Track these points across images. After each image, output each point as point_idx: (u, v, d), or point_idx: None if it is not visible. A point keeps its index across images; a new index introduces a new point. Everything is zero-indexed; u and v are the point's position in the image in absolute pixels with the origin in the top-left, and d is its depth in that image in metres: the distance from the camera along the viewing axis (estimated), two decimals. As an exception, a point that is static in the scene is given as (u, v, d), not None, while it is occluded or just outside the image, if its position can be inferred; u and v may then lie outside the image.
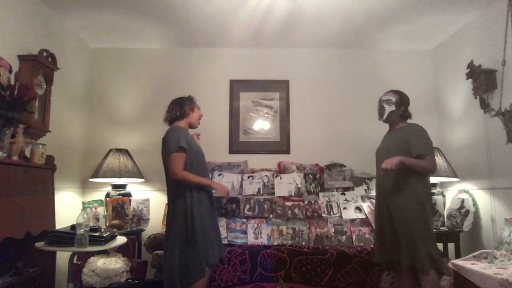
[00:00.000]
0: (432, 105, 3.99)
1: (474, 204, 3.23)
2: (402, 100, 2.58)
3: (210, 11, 3.31)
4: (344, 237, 3.23)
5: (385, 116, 2.61)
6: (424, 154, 2.41)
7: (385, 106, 2.59)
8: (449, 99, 3.79)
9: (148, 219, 3.57)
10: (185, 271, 2.29)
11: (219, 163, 3.73)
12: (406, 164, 2.35)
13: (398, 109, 2.56)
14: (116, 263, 2.81)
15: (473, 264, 2.55)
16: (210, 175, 3.56)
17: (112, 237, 2.44)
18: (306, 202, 3.43)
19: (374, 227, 2.69)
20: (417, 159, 2.41)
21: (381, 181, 2.57)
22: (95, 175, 3.52)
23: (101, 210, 3.53)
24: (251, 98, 4.07)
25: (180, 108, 2.56)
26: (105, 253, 2.87)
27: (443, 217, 3.33)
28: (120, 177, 3.47)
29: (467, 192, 3.35)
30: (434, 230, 2.62)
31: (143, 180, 3.69)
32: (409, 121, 2.63)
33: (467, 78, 3.26)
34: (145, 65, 4.09)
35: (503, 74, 2.90)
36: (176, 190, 2.41)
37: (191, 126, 2.64)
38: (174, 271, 2.29)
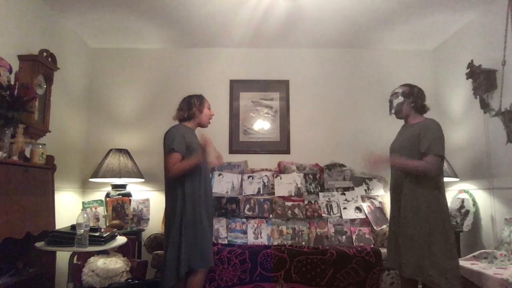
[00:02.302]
0: (432, 105, 3.92)
1: (474, 204, 3.23)
2: (412, 91, 2.43)
3: (210, 11, 3.31)
4: (344, 237, 3.24)
5: (393, 110, 2.49)
6: (427, 153, 2.24)
7: (393, 99, 2.49)
8: (449, 99, 3.79)
9: (148, 219, 3.57)
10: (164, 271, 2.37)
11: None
12: (402, 167, 2.24)
13: (406, 100, 2.42)
14: (116, 263, 2.81)
15: (473, 264, 2.55)
16: (210, 175, 3.55)
17: (112, 237, 2.44)
18: (306, 202, 3.43)
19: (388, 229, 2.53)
20: (423, 156, 2.25)
21: (395, 181, 2.42)
22: (95, 175, 3.52)
23: (101, 210, 3.53)
24: (251, 98, 4.07)
25: (189, 110, 2.58)
26: (105, 253, 2.87)
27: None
28: (120, 177, 3.47)
29: (467, 192, 3.35)
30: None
31: (143, 180, 3.69)
32: (427, 115, 2.47)
33: (467, 78, 3.26)
34: (145, 65, 4.09)
35: (503, 74, 2.90)
36: (171, 192, 2.44)
37: (200, 126, 2.68)
38: (164, 269, 2.37)
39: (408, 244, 2.21)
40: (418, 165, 2.23)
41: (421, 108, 2.45)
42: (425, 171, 2.22)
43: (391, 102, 2.52)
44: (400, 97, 2.45)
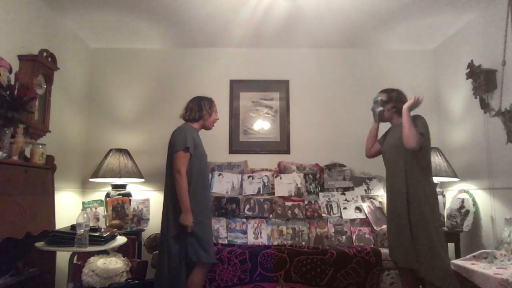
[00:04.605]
0: (432, 105, 3.99)
1: (474, 204, 3.23)
2: (390, 97, 2.55)
3: (210, 11, 3.31)
4: (344, 237, 3.24)
5: (376, 118, 2.64)
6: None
7: (374, 108, 2.63)
8: (449, 99, 3.79)
9: (148, 219, 3.57)
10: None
11: (219, 163, 3.73)
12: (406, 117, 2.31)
13: (386, 106, 2.55)
14: (116, 263, 2.81)
15: (473, 264, 2.55)
16: (210, 175, 3.56)
17: (112, 237, 2.44)
18: (306, 202, 3.43)
19: (387, 226, 2.60)
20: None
21: (392, 181, 2.50)
22: (95, 175, 3.52)
23: (101, 210, 3.53)
24: (251, 98, 4.07)
25: (199, 112, 2.61)
26: (105, 253, 2.87)
27: (443, 217, 3.33)
28: (120, 177, 3.46)
29: (467, 192, 3.35)
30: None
31: (143, 180, 3.69)
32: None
33: (467, 78, 3.26)
34: (145, 65, 4.09)
35: (503, 74, 2.90)
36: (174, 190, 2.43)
37: (205, 128, 2.70)
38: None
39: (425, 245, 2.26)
40: (410, 125, 2.29)
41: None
42: (410, 135, 2.28)
43: (373, 110, 2.64)
44: (379, 106, 2.57)
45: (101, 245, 2.28)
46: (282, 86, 4.08)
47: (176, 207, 2.41)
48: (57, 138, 3.29)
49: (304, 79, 4.10)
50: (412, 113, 2.43)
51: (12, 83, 2.45)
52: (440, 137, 3.90)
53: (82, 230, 2.16)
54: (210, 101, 2.68)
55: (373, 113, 2.65)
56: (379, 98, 2.59)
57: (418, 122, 2.37)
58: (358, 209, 3.40)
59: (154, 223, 3.59)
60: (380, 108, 2.57)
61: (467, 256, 2.72)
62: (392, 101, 2.54)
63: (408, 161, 2.38)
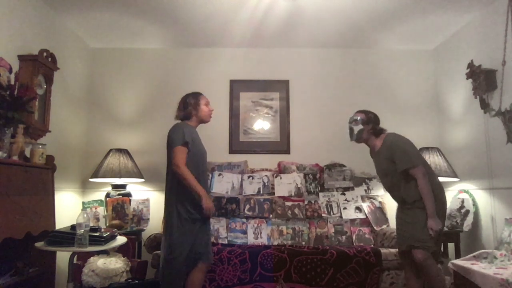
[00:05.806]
0: (432, 105, 3.99)
1: (474, 204, 3.23)
2: (369, 118, 2.60)
3: (210, 11, 3.31)
4: (344, 237, 3.24)
5: (354, 136, 2.64)
6: (407, 169, 2.41)
7: (353, 126, 2.64)
8: (449, 99, 3.79)
9: (148, 219, 3.57)
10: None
11: (219, 163, 3.73)
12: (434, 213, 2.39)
13: (366, 126, 2.59)
14: (116, 263, 2.81)
15: (473, 264, 2.55)
16: (210, 175, 3.56)
17: (112, 237, 2.44)
18: (306, 202, 3.43)
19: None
20: (404, 174, 2.45)
21: (394, 196, 2.65)
22: (95, 175, 3.52)
23: (101, 210, 3.53)
24: (251, 98, 4.07)
25: (185, 109, 2.58)
26: (105, 253, 2.87)
27: (443, 217, 3.33)
28: (120, 177, 3.47)
29: (467, 192, 3.35)
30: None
31: (143, 180, 3.69)
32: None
33: (467, 78, 3.26)
34: (145, 65, 4.09)
35: (503, 74, 2.90)
36: (181, 188, 2.40)
37: (202, 122, 2.65)
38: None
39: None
40: (428, 195, 2.38)
41: (379, 132, 2.61)
42: (428, 187, 2.38)
43: (351, 129, 2.67)
44: (359, 124, 2.61)
45: (101, 245, 2.28)
46: (282, 86, 4.08)
47: (183, 202, 2.39)
48: (57, 138, 3.29)
49: (304, 79, 4.10)
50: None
51: (12, 83, 2.45)
52: (440, 137, 3.90)
53: (82, 230, 2.16)
54: (195, 96, 2.61)
55: (351, 131, 2.66)
56: (359, 117, 2.62)
57: (407, 158, 2.42)
58: (358, 209, 3.41)
59: (154, 223, 3.60)
60: (360, 127, 2.60)
61: (467, 256, 2.72)
62: (371, 121, 2.60)
63: (407, 183, 2.48)
